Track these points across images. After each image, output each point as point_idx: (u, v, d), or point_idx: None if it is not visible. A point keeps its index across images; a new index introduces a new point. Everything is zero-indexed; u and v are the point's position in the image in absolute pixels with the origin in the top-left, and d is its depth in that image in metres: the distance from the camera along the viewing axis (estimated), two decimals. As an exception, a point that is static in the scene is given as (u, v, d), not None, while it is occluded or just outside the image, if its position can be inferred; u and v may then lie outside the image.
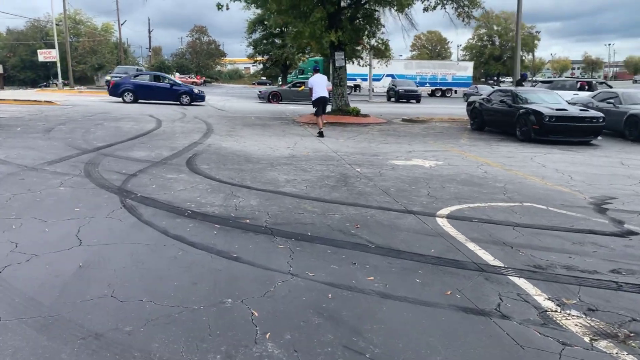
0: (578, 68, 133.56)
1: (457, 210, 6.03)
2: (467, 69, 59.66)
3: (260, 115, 20.04)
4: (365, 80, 57.37)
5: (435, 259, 4.36)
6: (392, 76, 55.20)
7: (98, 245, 4.45)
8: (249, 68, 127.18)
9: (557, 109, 13.03)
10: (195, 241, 4.60)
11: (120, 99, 23.90)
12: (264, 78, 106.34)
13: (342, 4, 16.45)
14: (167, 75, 28.67)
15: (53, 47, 50.71)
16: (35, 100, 21.14)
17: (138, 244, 4.53)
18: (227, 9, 16.88)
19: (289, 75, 41.51)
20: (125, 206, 5.72)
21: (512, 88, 15.83)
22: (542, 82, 26.99)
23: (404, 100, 38.49)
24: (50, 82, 60.65)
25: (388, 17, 17.79)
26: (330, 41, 16.59)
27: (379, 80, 56.93)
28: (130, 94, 23.89)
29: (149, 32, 78.48)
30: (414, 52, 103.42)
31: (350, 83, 52.95)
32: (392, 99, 39.55)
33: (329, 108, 15.36)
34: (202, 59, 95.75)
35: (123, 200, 5.98)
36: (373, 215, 5.74)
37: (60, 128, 12.96)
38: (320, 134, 13.21)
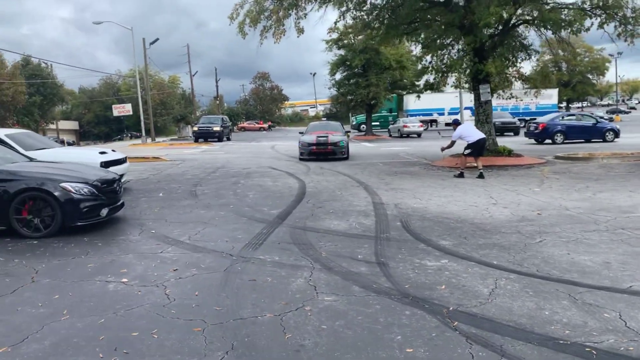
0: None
1: None
2: (551, 97, 56.09)
3: (383, 160, 18.08)
4: (442, 114, 55.32)
5: None
6: (470, 108, 52.64)
7: None
8: (307, 110, 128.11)
9: None
10: None
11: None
12: (325, 119, 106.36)
13: (489, 31, 14.43)
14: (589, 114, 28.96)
15: (124, 102, 52.04)
16: (143, 157, 20.14)
17: None
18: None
19: (378, 114, 39.99)
20: (474, 341, 3.64)
21: None
22: None
23: (498, 134, 35.65)
24: (124, 135, 62.11)
25: (534, 40, 15.60)
26: (476, 73, 14.55)
27: (456, 114, 54.52)
28: (561, 135, 24.82)
29: (216, 81, 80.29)
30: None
31: (425, 118, 50.81)
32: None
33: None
34: (266, 104, 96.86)
35: (451, 324, 3.92)
36: None
37: (201, 190, 11.39)
38: (481, 175, 12.43)
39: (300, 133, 20.82)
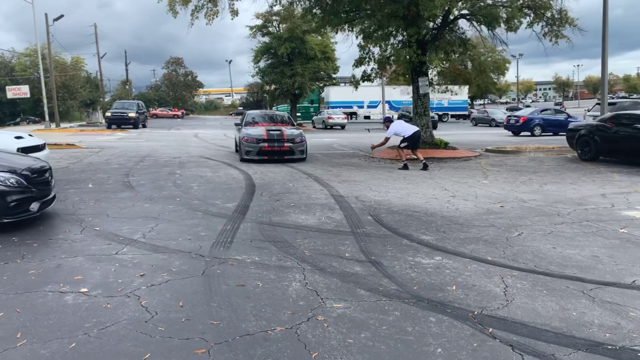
0: (549, 89, 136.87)
1: None
2: (462, 93, 58.80)
3: (319, 152, 17.70)
4: (361, 107, 56.15)
5: None
6: (389, 102, 53.88)
7: None
8: (222, 98, 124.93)
9: None
10: None
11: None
12: (241, 108, 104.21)
13: (431, 24, 14.44)
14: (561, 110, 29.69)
15: (19, 83, 46.93)
16: (55, 144, 18.15)
17: None
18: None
19: (299, 105, 39.48)
20: None
21: (642, 112, 14.06)
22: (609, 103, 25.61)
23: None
24: (20, 120, 56.28)
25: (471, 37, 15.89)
26: (414, 65, 14.54)
27: (375, 107, 55.60)
28: (539, 128, 25.98)
29: (126, 64, 75.10)
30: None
31: (345, 110, 51.21)
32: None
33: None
34: (179, 91, 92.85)
35: (487, 331, 3.56)
36: None
37: (136, 181, 10.30)
38: (425, 166, 12.62)
39: (237, 125, 16.18)
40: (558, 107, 27.34)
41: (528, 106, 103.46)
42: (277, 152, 13.71)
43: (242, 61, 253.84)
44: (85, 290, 4.20)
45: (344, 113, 42.83)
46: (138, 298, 4.04)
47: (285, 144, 13.76)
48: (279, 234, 6.15)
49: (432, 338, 3.41)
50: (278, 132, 14.07)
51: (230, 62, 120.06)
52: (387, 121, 13.59)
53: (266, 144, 13.61)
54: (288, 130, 14.28)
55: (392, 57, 15.11)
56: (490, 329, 3.55)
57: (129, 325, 3.54)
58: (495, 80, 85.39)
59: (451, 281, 4.54)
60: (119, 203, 8.02)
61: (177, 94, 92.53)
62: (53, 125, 37.63)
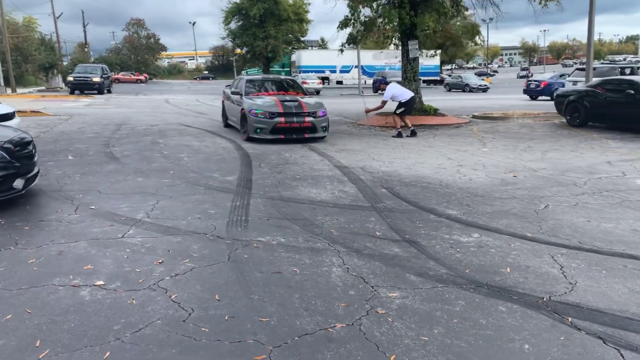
0: (515, 54, 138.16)
1: None
2: (434, 58, 58.43)
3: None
4: (334, 72, 55.16)
5: None
6: (362, 67, 53.09)
7: None
8: (185, 62, 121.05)
9: None
10: None
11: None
12: (207, 72, 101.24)
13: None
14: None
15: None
16: (19, 111, 16.86)
17: None
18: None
19: (272, 69, 38.28)
20: None
21: (635, 78, 13.96)
22: (579, 69, 25.67)
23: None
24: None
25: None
26: (406, 27, 13.98)
27: (348, 72, 54.72)
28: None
29: (84, 25, 71.09)
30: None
31: (318, 75, 50.19)
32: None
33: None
34: (141, 54, 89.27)
35: (567, 321, 3.24)
36: None
37: (119, 152, 9.57)
38: (413, 133, 12.38)
39: (233, 93, 12.22)
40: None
41: (496, 71, 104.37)
42: (296, 129, 10.79)
43: (206, 23, 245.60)
44: (102, 283, 3.67)
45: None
46: (165, 291, 3.53)
47: (307, 119, 10.77)
48: (296, 211, 5.68)
49: (512, 332, 3.06)
50: (295, 103, 11.02)
51: (194, 24, 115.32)
52: (384, 84, 12.91)
53: (282, 119, 10.63)
54: (306, 101, 11.32)
55: (381, 19, 14.47)
56: (570, 319, 3.22)
57: (166, 326, 3.05)
58: (468, 44, 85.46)
59: (501, 262, 4.20)
60: (108, 177, 7.34)
61: (139, 58, 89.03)
62: (9, 91, 35.44)
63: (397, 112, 12.39)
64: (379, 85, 13.06)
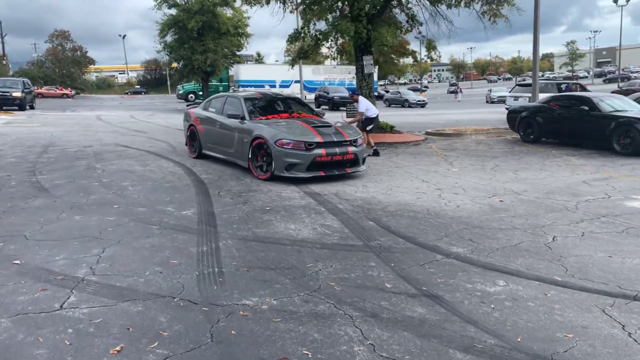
0: (443, 70, 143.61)
1: None
2: (373, 74, 58.82)
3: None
4: (273, 86, 54.26)
5: None
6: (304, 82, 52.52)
7: None
8: (115, 76, 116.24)
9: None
10: None
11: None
12: (139, 87, 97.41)
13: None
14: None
15: None
16: None
17: None
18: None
19: (210, 83, 36.63)
20: None
21: (588, 94, 14.06)
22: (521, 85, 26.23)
23: (338, 108, 36.05)
24: None
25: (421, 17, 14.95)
26: (362, 41, 13.37)
27: (288, 86, 54.00)
28: None
29: (2, 36, 66.16)
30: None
31: (259, 90, 49.00)
32: (324, 107, 36.66)
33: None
34: (67, 68, 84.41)
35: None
36: None
37: (48, 181, 8.16)
38: (376, 152, 11.49)
39: (231, 117, 9.16)
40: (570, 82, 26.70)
41: (426, 87, 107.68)
42: (338, 163, 8.41)
43: (137, 36, 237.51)
44: (36, 396, 2.53)
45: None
46: (133, 405, 2.46)
47: (349, 149, 8.45)
48: (279, 256, 4.71)
49: None
50: (331, 129, 8.70)
51: (124, 37, 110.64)
52: (356, 94, 11.88)
53: (323, 151, 8.15)
54: (348, 132, 8.82)
55: (334, 32, 13.76)
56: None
57: None
58: (396, 62, 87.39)
59: (550, 322, 3.45)
60: (36, 216, 6.02)
61: (64, 71, 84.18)
62: None
63: (368, 129, 11.56)
64: (352, 95, 11.98)
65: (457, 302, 3.76)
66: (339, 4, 13.61)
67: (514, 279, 4.24)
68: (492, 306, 3.69)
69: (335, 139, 8.41)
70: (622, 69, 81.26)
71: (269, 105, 10.05)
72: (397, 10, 14.50)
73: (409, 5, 14.33)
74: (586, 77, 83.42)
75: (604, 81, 76.03)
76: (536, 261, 4.68)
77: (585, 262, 4.66)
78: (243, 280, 4.11)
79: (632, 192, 7.74)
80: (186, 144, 11.22)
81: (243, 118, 9.01)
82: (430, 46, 13.96)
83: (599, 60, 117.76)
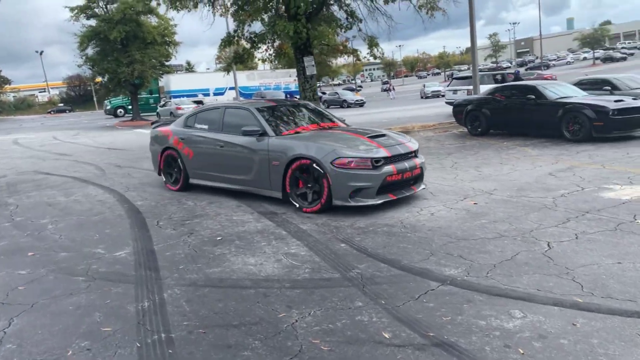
0: (375, 69, 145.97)
1: None
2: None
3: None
4: (207, 95, 52.51)
5: None
6: (240, 88, 51.14)
7: None
8: (35, 95, 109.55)
9: (615, 101, 11.42)
10: None
11: None
12: (62, 105, 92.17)
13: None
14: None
15: None
16: None
17: None
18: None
19: (140, 96, 34.64)
20: None
21: (533, 83, 13.93)
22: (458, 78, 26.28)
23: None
24: None
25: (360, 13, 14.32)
26: (302, 42, 12.58)
27: (222, 94, 52.42)
28: None
29: None
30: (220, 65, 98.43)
31: (190, 99, 47.32)
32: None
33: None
34: (-22, 88, 78.37)
35: None
36: None
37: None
38: None
39: (247, 135, 7.12)
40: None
41: (360, 87, 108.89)
42: (408, 180, 6.82)
43: (56, 52, 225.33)
44: None
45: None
46: None
47: (417, 162, 6.95)
48: (242, 305, 3.78)
49: None
50: (391, 139, 7.10)
51: (41, 53, 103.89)
52: (293, 97, 11.23)
53: (393, 168, 6.49)
54: (411, 145, 7.11)
55: (272, 33, 12.89)
56: None
57: None
58: (329, 62, 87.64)
59: (598, 366, 2.75)
60: None
61: (-24, 92, 78.18)
62: None
63: None
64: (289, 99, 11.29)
65: (476, 350, 3.00)
66: (274, 3, 12.72)
67: (529, 306, 3.55)
68: (521, 351, 2.96)
69: (402, 151, 6.76)
70: (541, 58, 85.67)
71: (289, 114, 8.14)
72: (335, 8, 13.82)
73: (347, 2, 13.65)
74: (509, 67, 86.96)
75: (526, 70, 79.72)
76: (543, 278, 4.03)
77: (597, 273, 4.06)
78: (200, 349, 3.16)
79: (601, 181, 7.40)
80: (159, 174, 8.96)
81: (263, 134, 7.08)
82: (372, 43, 13.38)
83: (518, 51, 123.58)
